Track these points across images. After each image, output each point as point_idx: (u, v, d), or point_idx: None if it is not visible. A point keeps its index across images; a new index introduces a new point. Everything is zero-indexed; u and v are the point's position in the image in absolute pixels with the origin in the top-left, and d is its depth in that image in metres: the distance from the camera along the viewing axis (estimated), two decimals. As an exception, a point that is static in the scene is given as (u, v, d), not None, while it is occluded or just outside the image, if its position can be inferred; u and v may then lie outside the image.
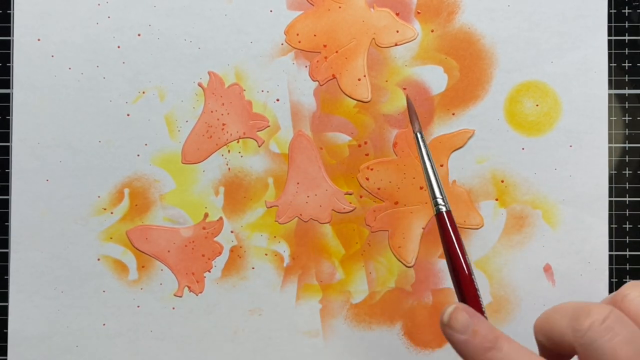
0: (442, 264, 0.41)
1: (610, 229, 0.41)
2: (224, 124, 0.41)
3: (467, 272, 0.31)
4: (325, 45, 0.40)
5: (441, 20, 0.40)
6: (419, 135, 0.35)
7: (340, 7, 0.40)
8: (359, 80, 0.40)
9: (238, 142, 0.41)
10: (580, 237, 0.40)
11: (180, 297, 0.41)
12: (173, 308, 0.41)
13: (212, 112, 0.41)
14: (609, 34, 0.41)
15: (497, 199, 0.41)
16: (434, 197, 0.33)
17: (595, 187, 0.40)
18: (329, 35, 0.40)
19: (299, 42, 0.40)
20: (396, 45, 0.40)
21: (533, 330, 0.29)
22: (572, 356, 0.27)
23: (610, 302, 0.27)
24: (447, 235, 0.32)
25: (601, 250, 0.40)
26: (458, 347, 0.27)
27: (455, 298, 0.32)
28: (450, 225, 0.32)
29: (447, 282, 0.41)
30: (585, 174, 0.40)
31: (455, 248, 0.31)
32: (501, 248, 0.41)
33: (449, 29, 0.40)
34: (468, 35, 0.40)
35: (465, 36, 0.40)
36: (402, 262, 0.41)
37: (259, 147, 0.41)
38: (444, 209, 0.33)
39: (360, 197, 0.41)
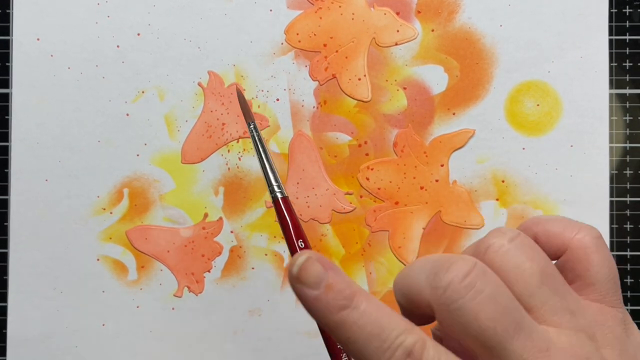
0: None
1: (611, 229, 0.41)
2: (223, 124, 0.40)
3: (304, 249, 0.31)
4: (325, 45, 0.40)
5: (442, 20, 0.40)
6: (252, 127, 0.38)
7: (340, 7, 0.40)
8: (359, 79, 0.40)
9: (238, 142, 0.41)
10: (581, 237, 0.40)
11: (180, 297, 0.41)
12: (173, 308, 0.41)
13: (211, 111, 0.40)
14: (610, 34, 0.41)
15: (497, 199, 0.40)
16: (271, 185, 0.36)
17: (596, 187, 0.40)
18: (329, 35, 0.40)
19: (299, 41, 0.40)
20: (396, 44, 0.40)
21: (393, 289, 0.24)
22: (434, 317, 0.22)
23: (474, 252, 0.23)
24: (283, 219, 0.35)
25: (602, 250, 0.40)
26: (308, 305, 0.23)
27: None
28: (287, 210, 0.35)
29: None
30: (586, 173, 0.40)
31: (290, 232, 0.34)
32: (502, 248, 0.40)
33: (450, 29, 0.40)
34: (468, 34, 0.40)
35: (465, 36, 0.40)
36: (402, 262, 0.40)
37: (259, 147, 0.41)
38: (280, 195, 0.36)
39: (361, 197, 0.40)
